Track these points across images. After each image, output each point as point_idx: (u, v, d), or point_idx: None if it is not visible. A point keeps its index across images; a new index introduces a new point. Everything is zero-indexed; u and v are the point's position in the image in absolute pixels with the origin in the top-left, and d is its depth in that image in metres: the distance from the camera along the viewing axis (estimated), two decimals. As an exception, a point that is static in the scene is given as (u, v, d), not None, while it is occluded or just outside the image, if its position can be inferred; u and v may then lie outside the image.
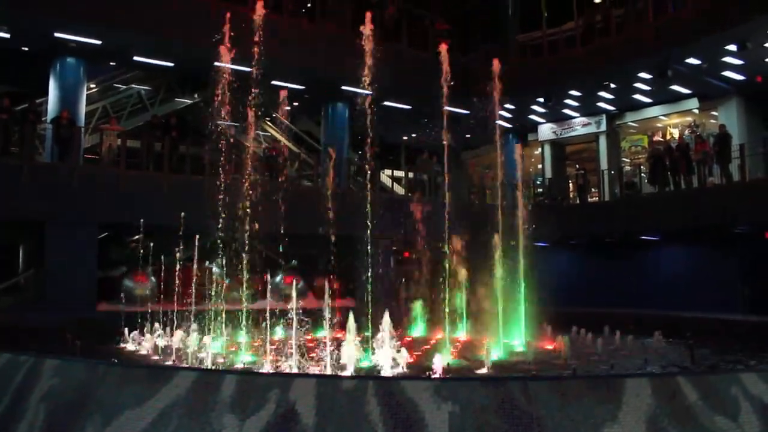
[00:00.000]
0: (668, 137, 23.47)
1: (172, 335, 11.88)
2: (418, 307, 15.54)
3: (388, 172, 25.49)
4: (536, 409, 4.89)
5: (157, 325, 13.28)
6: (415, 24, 22.82)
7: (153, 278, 17.58)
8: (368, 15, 15.34)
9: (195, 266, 19.72)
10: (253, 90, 14.44)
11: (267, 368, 8.59)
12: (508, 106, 24.03)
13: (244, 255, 12.79)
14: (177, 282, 18.13)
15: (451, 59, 14.37)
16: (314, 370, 8.08)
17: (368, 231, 11.51)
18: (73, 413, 5.58)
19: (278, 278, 19.43)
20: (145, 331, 12.91)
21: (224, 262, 13.90)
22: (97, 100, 21.75)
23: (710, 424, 5.01)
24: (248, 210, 14.91)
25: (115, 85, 22.50)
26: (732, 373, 5.74)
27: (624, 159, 24.97)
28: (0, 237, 18.88)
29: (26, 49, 18.25)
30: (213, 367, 9.24)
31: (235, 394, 5.18)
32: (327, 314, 9.42)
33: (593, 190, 23.80)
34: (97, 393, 5.63)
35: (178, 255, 20.07)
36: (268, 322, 11.01)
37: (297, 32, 19.90)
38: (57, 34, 16.90)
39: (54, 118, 17.26)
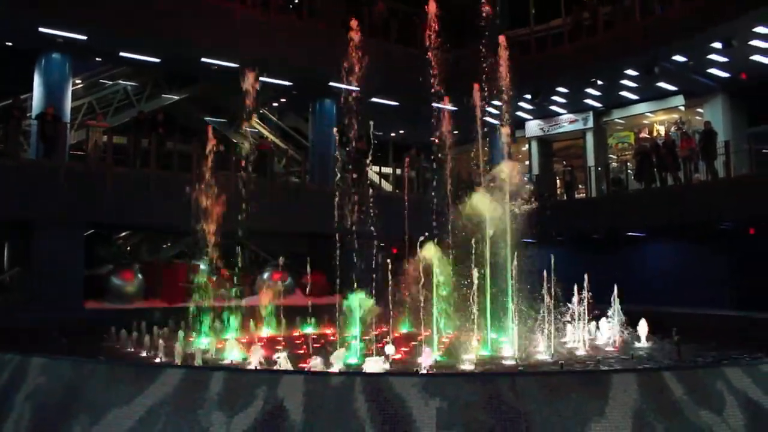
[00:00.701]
0: (654, 134, 23.61)
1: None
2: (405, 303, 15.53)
3: (376, 168, 25.48)
4: (524, 405, 4.92)
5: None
6: (404, 20, 22.79)
7: (140, 275, 17.48)
8: (357, 12, 15.30)
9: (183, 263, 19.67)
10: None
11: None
12: (495, 102, 24.06)
13: (232, 251, 12.76)
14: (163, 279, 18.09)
15: (440, 56, 14.39)
16: None
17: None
18: (59, 412, 5.55)
19: (266, 275, 19.38)
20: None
21: (211, 259, 13.86)
22: (82, 96, 21.58)
23: (695, 419, 5.06)
24: (236, 206, 14.85)
25: (101, 81, 22.32)
26: (717, 368, 5.79)
27: (610, 155, 25.10)
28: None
29: (10, 44, 18.07)
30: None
31: (222, 392, 5.18)
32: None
33: (580, 186, 23.91)
34: (84, 391, 5.60)
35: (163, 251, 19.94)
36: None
37: (285, 29, 19.82)
38: (42, 30, 16.72)
39: (39, 114, 17.08)
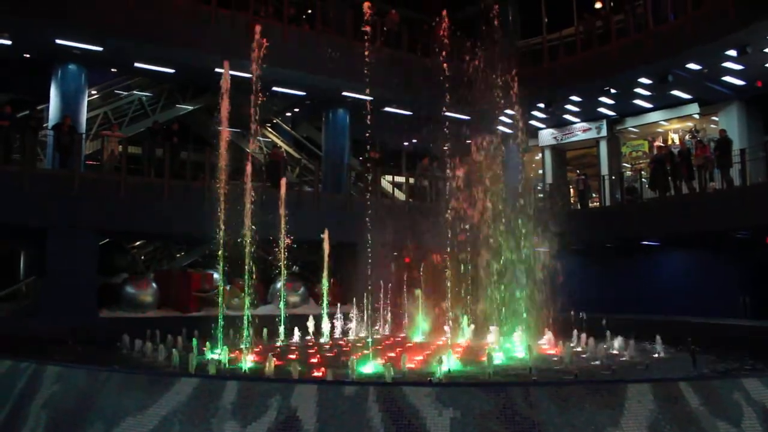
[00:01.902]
0: (669, 142, 23.47)
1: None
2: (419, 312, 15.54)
3: (389, 177, 25.49)
4: (537, 415, 4.88)
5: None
6: (416, 30, 22.85)
7: (154, 284, 17.57)
8: (369, 22, 15.28)
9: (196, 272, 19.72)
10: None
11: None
12: (508, 111, 24.02)
13: (245, 261, 12.78)
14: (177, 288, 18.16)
15: (452, 65, 14.40)
16: None
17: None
18: (74, 420, 5.58)
19: (279, 284, 19.41)
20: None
21: (225, 268, 13.89)
22: (98, 106, 21.79)
23: (712, 430, 5.00)
24: (249, 216, 14.83)
25: (116, 91, 22.54)
26: (734, 379, 5.72)
27: (625, 164, 24.97)
28: (1, 244, 18.90)
29: (28, 56, 18.29)
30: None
31: (236, 401, 5.18)
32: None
33: (594, 195, 23.79)
34: (99, 399, 5.63)
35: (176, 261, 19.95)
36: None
37: (298, 39, 19.94)
38: (58, 41, 16.94)
39: (55, 124, 17.28)
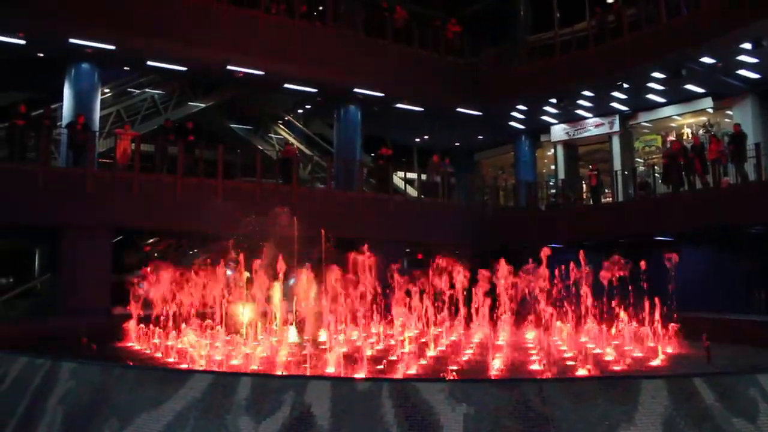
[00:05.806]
0: (685, 137, 23.29)
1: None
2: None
3: (401, 174, 25.51)
4: (551, 411, 4.87)
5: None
6: (427, 25, 22.81)
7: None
8: (380, 18, 15.27)
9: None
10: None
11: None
12: (520, 107, 23.96)
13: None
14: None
15: (462, 61, 14.41)
16: None
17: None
18: (90, 415, 5.63)
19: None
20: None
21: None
22: (111, 104, 21.92)
23: (728, 426, 4.97)
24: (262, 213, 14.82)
25: (128, 89, 22.66)
26: (750, 375, 5.67)
27: (637, 159, 24.81)
28: (16, 242, 19.08)
29: (41, 55, 18.42)
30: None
31: (250, 397, 5.21)
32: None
33: (606, 190, 23.65)
34: (114, 395, 5.67)
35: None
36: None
37: (309, 36, 19.96)
38: (72, 40, 17.05)
39: (69, 123, 17.40)
